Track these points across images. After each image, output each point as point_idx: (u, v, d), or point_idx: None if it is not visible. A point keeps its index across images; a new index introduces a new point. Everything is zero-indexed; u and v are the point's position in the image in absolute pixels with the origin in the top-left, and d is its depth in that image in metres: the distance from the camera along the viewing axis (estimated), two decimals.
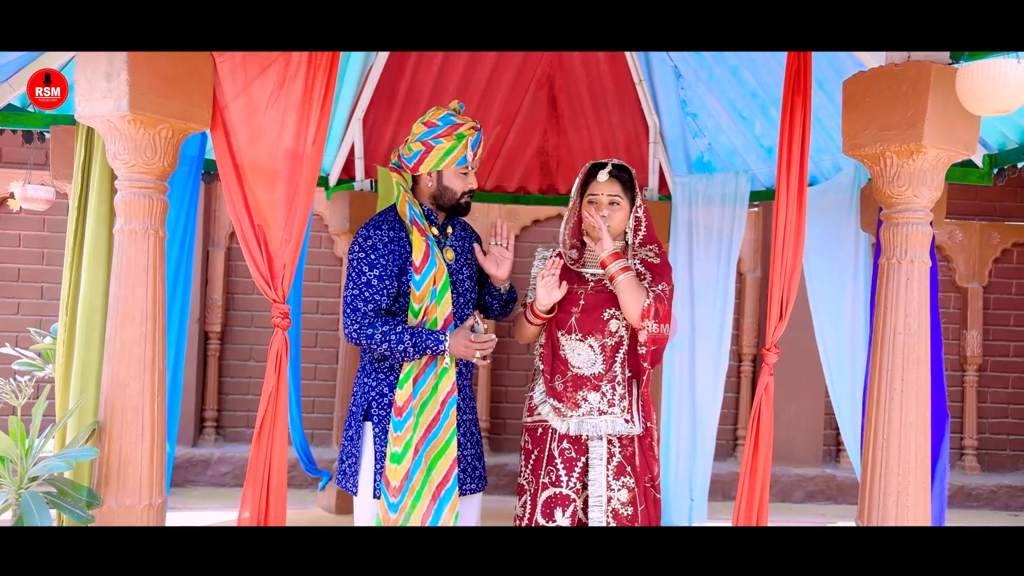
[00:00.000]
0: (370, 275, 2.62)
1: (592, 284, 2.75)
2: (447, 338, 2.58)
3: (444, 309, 2.64)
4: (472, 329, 2.64)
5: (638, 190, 2.76)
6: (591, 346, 2.70)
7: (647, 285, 2.63)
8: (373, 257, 2.63)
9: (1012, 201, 5.91)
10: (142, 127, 2.37)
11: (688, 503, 4.45)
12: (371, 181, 4.58)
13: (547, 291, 2.68)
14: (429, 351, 2.58)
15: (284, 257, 2.50)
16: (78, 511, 2.17)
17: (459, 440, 2.71)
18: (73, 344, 2.83)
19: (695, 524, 4.47)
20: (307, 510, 4.80)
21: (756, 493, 2.57)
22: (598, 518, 2.65)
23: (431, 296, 2.63)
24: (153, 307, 2.44)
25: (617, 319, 2.70)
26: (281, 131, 2.55)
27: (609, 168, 2.75)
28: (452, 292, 2.70)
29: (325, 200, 4.90)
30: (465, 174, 2.73)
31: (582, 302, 2.73)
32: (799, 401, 5.65)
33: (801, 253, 2.49)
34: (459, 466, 2.69)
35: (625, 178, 2.76)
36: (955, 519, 5.33)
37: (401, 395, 2.59)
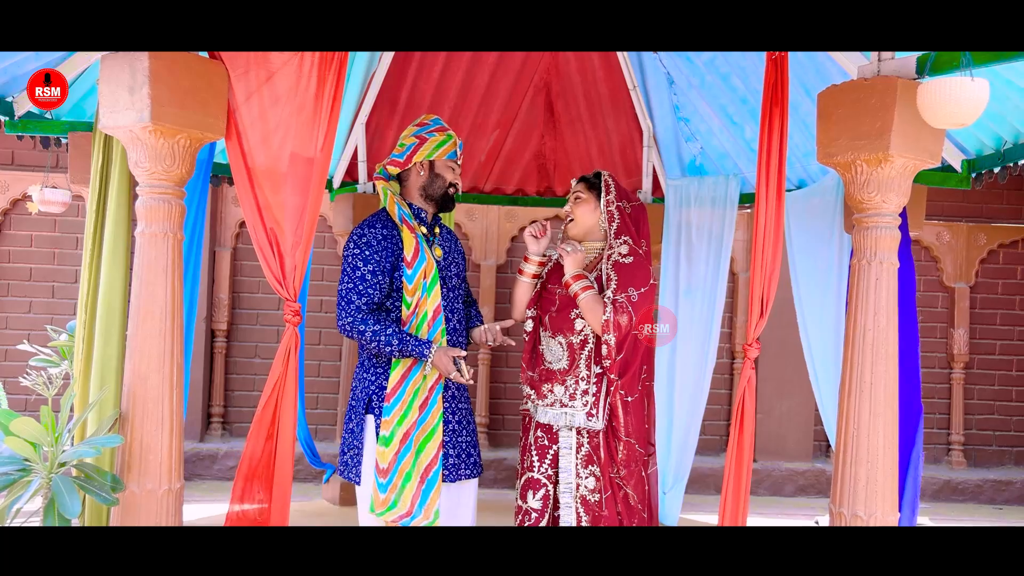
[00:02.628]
0: (364, 270, 2.79)
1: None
2: (431, 351, 2.72)
3: (434, 301, 2.80)
4: (455, 362, 2.74)
5: (605, 189, 2.95)
6: (560, 343, 2.90)
7: (612, 291, 2.81)
8: (368, 253, 2.80)
9: (998, 203, 6.06)
10: (162, 137, 2.51)
11: (661, 496, 4.60)
12: (373, 184, 4.72)
13: (535, 239, 2.99)
14: (413, 356, 2.74)
15: (295, 258, 2.65)
16: (104, 494, 2.33)
17: (454, 427, 2.88)
18: (92, 340, 2.98)
19: (667, 512, 4.61)
20: (312, 502, 4.95)
21: (742, 483, 2.71)
22: (567, 503, 2.84)
23: (422, 289, 2.79)
24: (171, 305, 2.58)
25: (583, 319, 2.87)
26: (292, 136, 2.69)
27: (583, 176, 3.02)
28: (441, 287, 2.87)
29: (329, 202, 5.05)
30: (453, 169, 2.94)
31: (558, 302, 2.93)
32: (791, 398, 5.80)
33: (779, 253, 2.63)
34: (454, 452, 2.85)
35: (590, 178, 3.00)
36: (941, 512, 5.48)
37: (391, 382, 2.75)
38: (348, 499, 4.76)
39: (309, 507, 4.82)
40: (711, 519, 4.86)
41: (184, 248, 3.54)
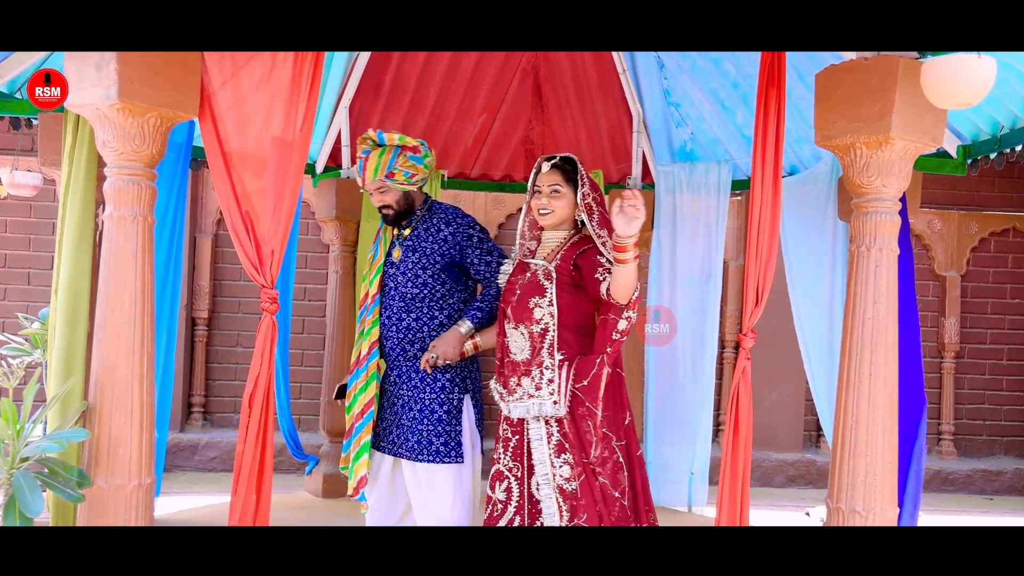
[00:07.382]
0: None
1: (529, 275, 2.88)
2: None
3: (370, 292, 3.21)
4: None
5: (581, 182, 2.81)
6: (522, 333, 2.83)
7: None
8: None
9: (990, 191, 6.01)
10: (131, 115, 2.42)
11: (688, 476, 4.52)
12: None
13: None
14: None
15: (272, 243, 2.57)
16: (69, 490, 2.23)
17: (398, 410, 3.15)
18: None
19: (694, 503, 4.55)
20: (294, 494, 4.85)
21: (739, 476, 2.63)
22: (548, 494, 2.78)
23: (367, 281, 3.22)
24: (141, 292, 2.49)
25: (540, 307, 2.80)
26: (269, 119, 2.61)
27: (554, 160, 2.87)
28: (386, 283, 3.20)
29: (312, 188, 4.95)
30: (371, 193, 3.15)
31: (518, 291, 2.86)
32: (780, 388, 5.75)
33: (776, 241, 2.56)
34: (397, 431, 3.14)
35: (567, 168, 2.86)
36: (932, 503, 5.43)
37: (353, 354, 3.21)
38: (330, 491, 4.68)
39: (291, 499, 4.72)
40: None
41: (166, 234, 3.49)
